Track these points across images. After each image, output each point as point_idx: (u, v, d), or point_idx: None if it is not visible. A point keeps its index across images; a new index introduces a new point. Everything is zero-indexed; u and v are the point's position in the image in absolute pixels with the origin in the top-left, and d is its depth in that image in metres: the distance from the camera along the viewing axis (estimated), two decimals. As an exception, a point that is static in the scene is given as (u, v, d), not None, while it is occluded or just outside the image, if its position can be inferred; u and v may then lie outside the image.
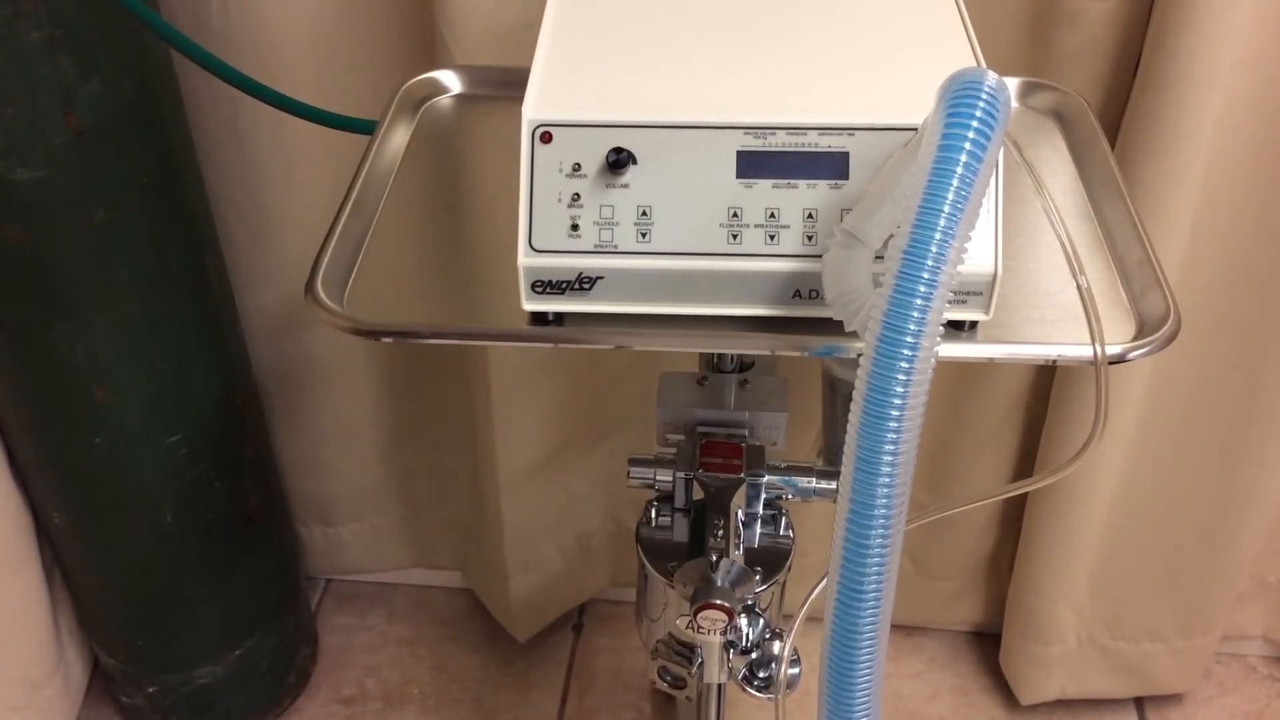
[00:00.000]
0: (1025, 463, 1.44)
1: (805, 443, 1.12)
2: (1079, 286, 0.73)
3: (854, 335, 0.65)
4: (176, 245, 1.22)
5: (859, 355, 0.62)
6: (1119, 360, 0.71)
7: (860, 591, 0.57)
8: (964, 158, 0.53)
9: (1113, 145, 1.13)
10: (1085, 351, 0.71)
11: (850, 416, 0.56)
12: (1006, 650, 1.56)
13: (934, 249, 0.53)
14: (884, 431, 0.55)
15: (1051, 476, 0.75)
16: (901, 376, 0.54)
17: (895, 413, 0.54)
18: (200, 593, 1.40)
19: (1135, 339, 0.72)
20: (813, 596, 0.74)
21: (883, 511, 0.56)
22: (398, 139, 0.90)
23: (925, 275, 0.53)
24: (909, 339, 0.54)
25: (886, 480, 0.55)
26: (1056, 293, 0.76)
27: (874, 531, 0.56)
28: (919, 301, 0.53)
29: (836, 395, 0.89)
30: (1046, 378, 1.36)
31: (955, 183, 0.53)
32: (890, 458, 0.55)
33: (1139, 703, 1.58)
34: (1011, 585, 1.52)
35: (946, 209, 0.53)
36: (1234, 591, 1.49)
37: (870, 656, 0.59)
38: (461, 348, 1.41)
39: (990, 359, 0.72)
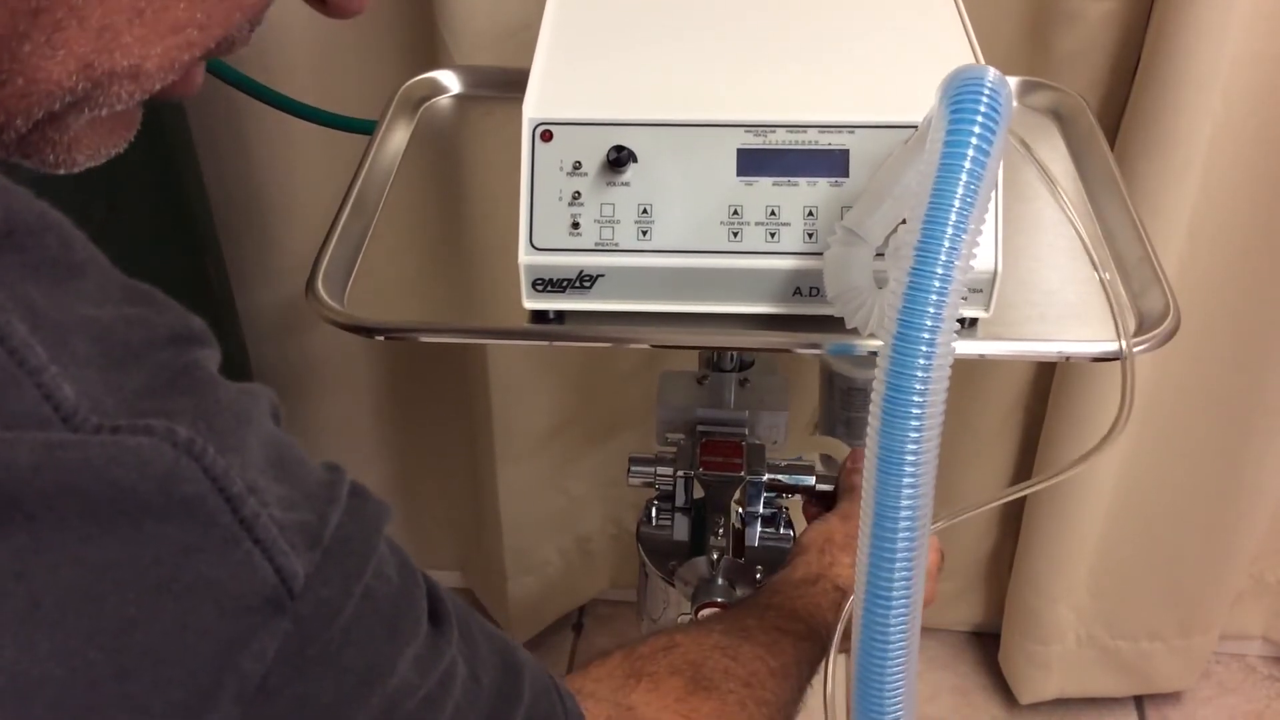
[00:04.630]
0: (1025, 463, 1.44)
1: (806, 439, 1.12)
2: (1101, 280, 0.73)
3: (855, 333, 0.65)
4: (176, 245, 1.22)
5: (865, 353, 0.61)
6: (1119, 357, 0.71)
7: (889, 597, 0.56)
8: (971, 152, 0.53)
9: (1112, 145, 1.13)
10: (1091, 348, 0.71)
11: (870, 418, 0.55)
12: (1006, 650, 1.56)
13: (946, 244, 0.52)
14: (905, 431, 0.53)
15: (1059, 475, 0.73)
16: (920, 374, 0.53)
17: (916, 410, 0.53)
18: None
19: (1135, 335, 0.72)
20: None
21: (908, 513, 0.54)
22: (397, 139, 0.90)
23: (939, 271, 0.52)
24: (926, 335, 0.52)
25: (910, 480, 0.54)
26: (1056, 290, 0.76)
27: (899, 535, 0.55)
28: (934, 297, 0.52)
29: (834, 389, 0.89)
30: (1046, 378, 1.36)
31: (964, 176, 0.53)
32: (913, 457, 0.53)
33: (1139, 702, 1.58)
34: (1011, 585, 1.52)
35: (957, 203, 0.52)
36: (1233, 591, 1.49)
37: (900, 662, 0.58)
38: (461, 347, 1.41)
39: (997, 356, 0.72)
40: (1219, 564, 1.43)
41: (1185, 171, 1.13)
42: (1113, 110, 1.16)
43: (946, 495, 1.52)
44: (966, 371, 1.38)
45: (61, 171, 0.42)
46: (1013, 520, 1.50)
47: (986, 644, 1.62)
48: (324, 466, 0.42)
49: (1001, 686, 1.58)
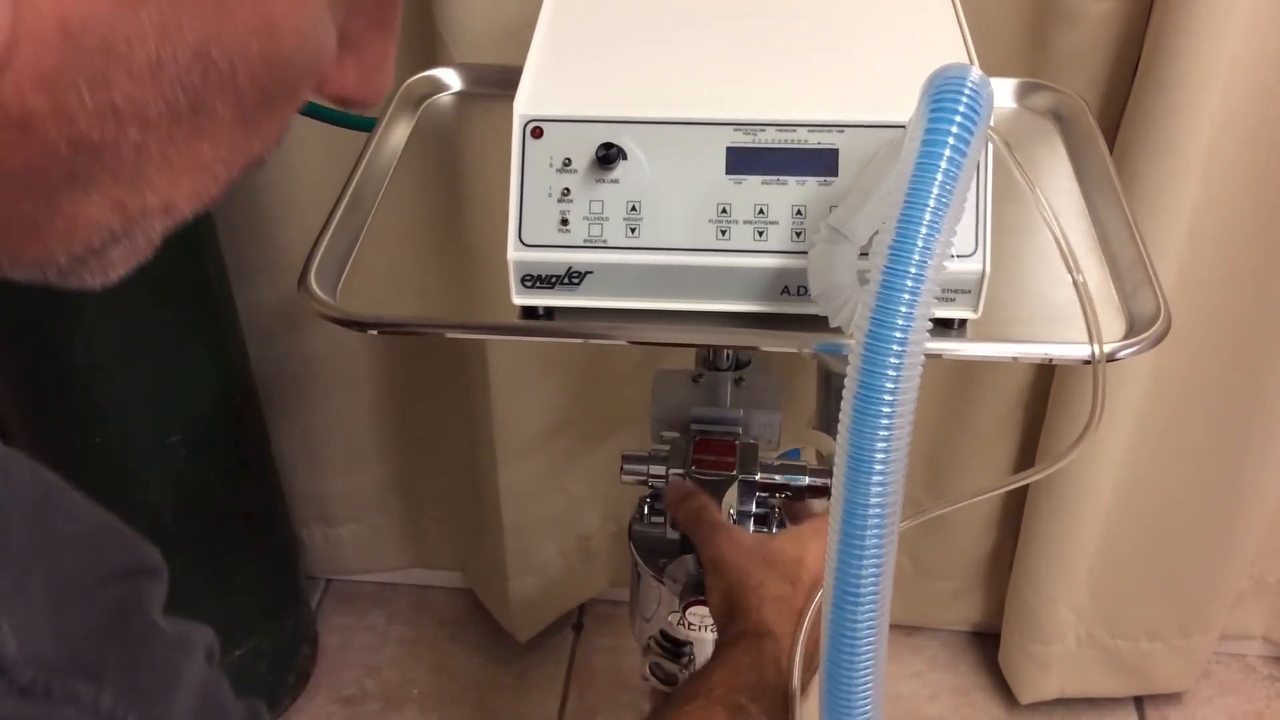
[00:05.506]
0: (1025, 463, 1.44)
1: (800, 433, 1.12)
2: (1074, 282, 0.73)
3: (840, 331, 0.65)
4: (176, 245, 1.22)
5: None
6: (1109, 359, 0.71)
7: (857, 593, 0.56)
8: (948, 151, 0.53)
9: (1112, 145, 1.13)
10: (1075, 350, 0.71)
11: (841, 415, 0.56)
12: (1006, 650, 1.56)
13: (920, 244, 0.52)
14: (875, 429, 0.54)
15: (1045, 469, 0.73)
16: (891, 373, 0.53)
17: (886, 409, 0.53)
18: (200, 593, 1.41)
19: (1126, 337, 0.72)
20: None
21: (876, 510, 0.55)
22: (397, 135, 0.91)
23: (912, 270, 0.52)
24: (897, 334, 0.53)
25: (879, 479, 0.54)
26: (1049, 292, 0.75)
27: (868, 531, 0.55)
28: (906, 296, 0.52)
29: (830, 389, 0.89)
30: (1046, 378, 1.36)
31: (939, 177, 0.53)
32: (883, 455, 0.54)
33: (1139, 702, 1.57)
34: (1011, 585, 1.52)
35: (931, 204, 0.53)
36: (1233, 591, 1.49)
37: (869, 658, 0.58)
38: (462, 347, 1.41)
39: (980, 357, 0.72)
40: (1219, 564, 1.43)
41: (1185, 172, 1.12)
42: (1113, 110, 1.15)
43: (948, 494, 1.53)
44: (967, 371, 1.38)
45: (97, 288, 0.44)
46: (1013, 520, 1.50)
47: (986, 644, 1.62)
48: (246, 710, 0.45)
49: (1001, 686, 1.58)
